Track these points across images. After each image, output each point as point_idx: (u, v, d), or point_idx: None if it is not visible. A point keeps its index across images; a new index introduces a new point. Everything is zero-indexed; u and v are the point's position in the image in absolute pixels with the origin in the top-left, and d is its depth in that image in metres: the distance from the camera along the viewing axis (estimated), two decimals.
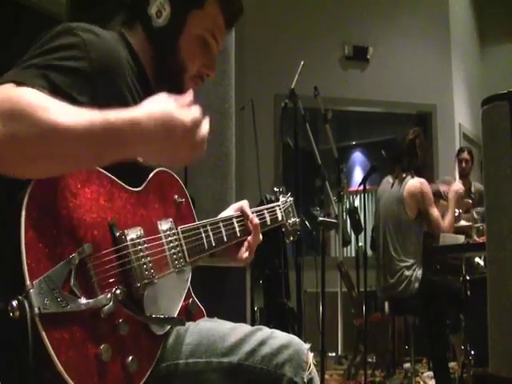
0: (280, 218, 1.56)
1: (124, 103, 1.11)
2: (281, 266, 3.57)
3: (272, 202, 1.61)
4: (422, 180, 3.63)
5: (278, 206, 1.58)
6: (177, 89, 1.26)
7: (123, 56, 1.14)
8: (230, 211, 1.42)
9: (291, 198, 1.64)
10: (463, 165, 4.79)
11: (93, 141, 0.86)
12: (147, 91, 1.24)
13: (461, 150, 4.97)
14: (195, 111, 0.99)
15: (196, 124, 0.99)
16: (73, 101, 0.96)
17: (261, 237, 1.44)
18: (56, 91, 0.93)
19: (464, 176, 4.64)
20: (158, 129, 0.93)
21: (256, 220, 1.42)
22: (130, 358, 0.97)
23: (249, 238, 1.40)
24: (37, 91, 0.87)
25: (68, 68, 0.98)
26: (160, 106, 0.95)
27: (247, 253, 1.40)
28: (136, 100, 1.16)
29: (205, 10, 1.24)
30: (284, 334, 1.16)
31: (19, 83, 0.88)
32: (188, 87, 1.27)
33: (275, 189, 1.63)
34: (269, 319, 3.42)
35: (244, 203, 1.44)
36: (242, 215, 1.41)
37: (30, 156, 0.83)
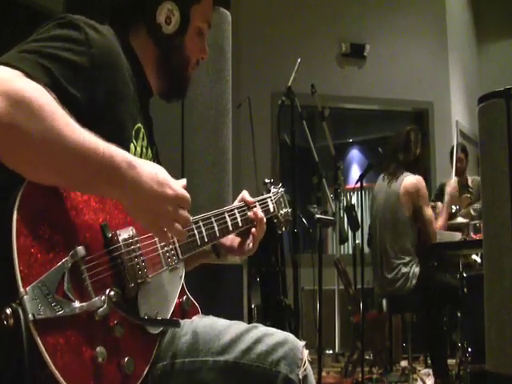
0: (272, 210, 1.57)
1: (121, 100, 1.11)
2: (278, 264, 3.57)
3: (268, 190, 1.62)
4: (419, 177, 3.63)
5: (270, 197, 1.58)
6: (182, 81, 1.30)
7: (121, 53, 1.14)
8: (236, 203, 1.44)
9: (282, 189, 1.65)
10: (458, 164, 4.78)
11: (88, 165, 0.88)
12: (143, 88, 1.24)
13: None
14: (187, 194, 1.04)
15: (185, 201, 1.02)
16: (70, 95, 0.96)
17: (264, 227, 1.45)
18: (56, 85, 0.94)
19: (460, 174, 4.64)
20: (152, 183, 0.96)
21: (260, 213, 1.43)
22: (126, 359, 0.96)
23: (253, 229, 1.42)
24: (48, 94, 0.87)
25: (69, 61, 0.98)
26: (160, 168, 1.00)
27: (251, 244, 1.43)
28: (133, 97, 1.16)
29: (202, 2, 1.28)
30: (279, 331, 1.16)
31: (27, 74, 0.88)
32: (190, 76, 1.32)
33: (266, 180, 1.64)
34: (266, 317, 3.42)
35: (244, 193, 1.47)
36: (244, 205, 1.43)
37: (23, 152, 0.83)
